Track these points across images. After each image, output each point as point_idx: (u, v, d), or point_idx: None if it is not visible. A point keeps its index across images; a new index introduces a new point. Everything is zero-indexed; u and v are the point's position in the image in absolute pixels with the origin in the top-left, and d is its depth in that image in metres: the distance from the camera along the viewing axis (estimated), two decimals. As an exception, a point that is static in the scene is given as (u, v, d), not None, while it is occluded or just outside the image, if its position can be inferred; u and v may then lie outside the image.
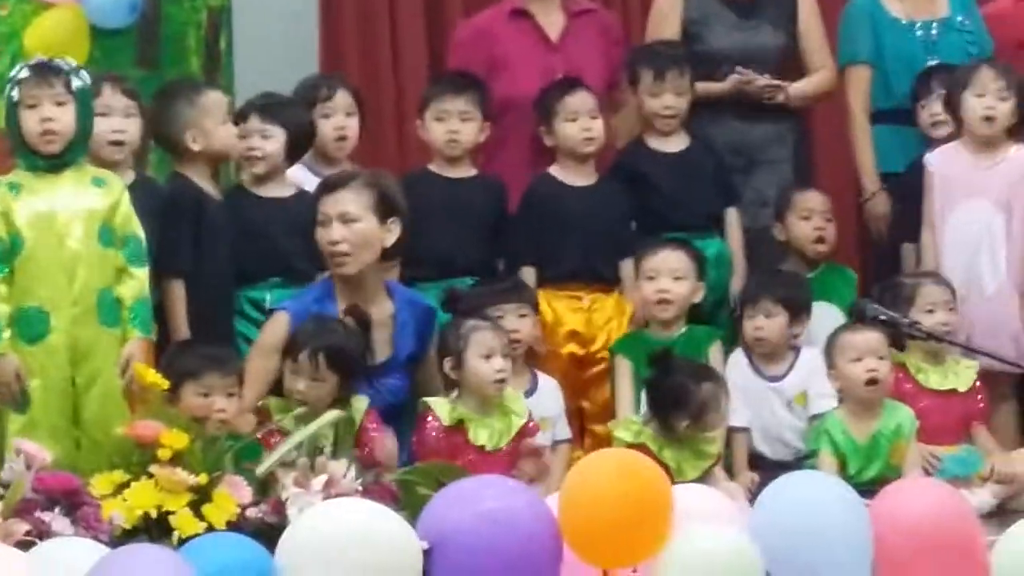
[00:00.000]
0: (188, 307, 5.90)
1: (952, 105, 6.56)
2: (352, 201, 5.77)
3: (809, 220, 6.59)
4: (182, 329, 5.82)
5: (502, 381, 5.58)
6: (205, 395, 5.26)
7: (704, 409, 5.54)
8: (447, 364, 5.65)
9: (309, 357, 5.43)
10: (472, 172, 6.53)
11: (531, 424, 5.69)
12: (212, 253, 6.00)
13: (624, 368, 6.13)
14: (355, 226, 5.73)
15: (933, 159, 6.56)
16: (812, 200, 6.63)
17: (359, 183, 5.85)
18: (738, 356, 6.22)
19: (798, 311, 6.16)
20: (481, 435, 5.53)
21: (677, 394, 5.53)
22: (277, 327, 5.69)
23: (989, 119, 6.42)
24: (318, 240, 5.82)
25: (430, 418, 5.56)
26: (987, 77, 6.48)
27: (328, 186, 5.93)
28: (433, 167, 6.46)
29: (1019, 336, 6.39)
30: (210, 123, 6.13)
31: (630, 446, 5.44)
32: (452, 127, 6.40)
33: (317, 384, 5.43)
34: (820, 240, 6.58)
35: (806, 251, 6.60)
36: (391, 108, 7.27)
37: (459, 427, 5.54)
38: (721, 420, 5.72)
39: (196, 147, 6.09)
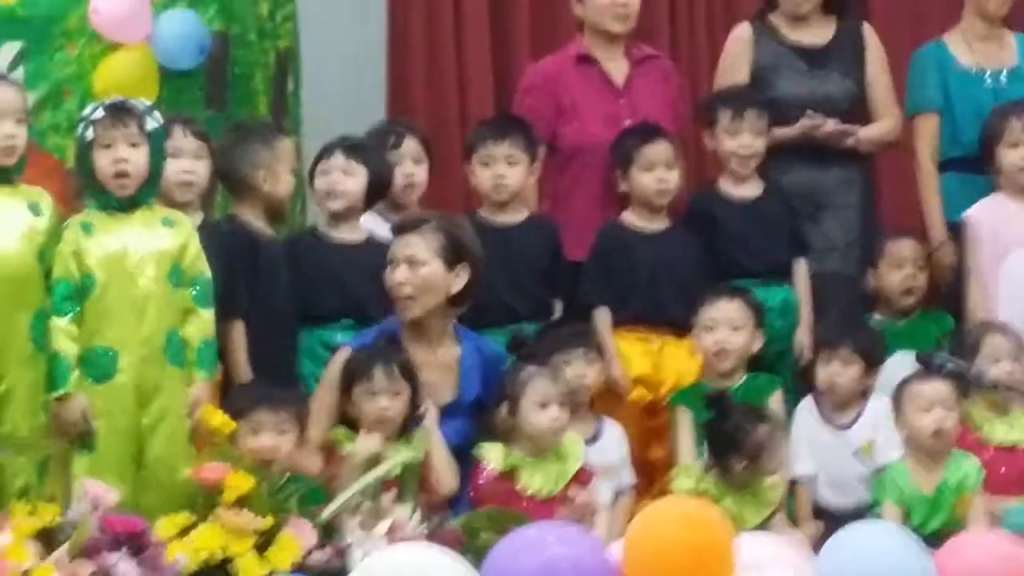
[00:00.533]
0: (249, 348, 5.89)
1: (988, 157, 6.65)
2: (419, 245, 5.74)
3: (901, 269, 6.58)
4: (244, 371, 5.81)
5: (557, 428, 5.55)
6: (255, 432, 5.25)
7: (761, 450, 5.53)
8: (503, 409, 5.63)
9: (384, 370, 5.40)
10: (523, 215, 6.50)
11: (585, 470, 5.64)
12: (269, 294, 6.00)
13: (684, 418, 6.08)
14: (421, 270, 5.70)
15: (974, 213, 6.59)
16: (906, 249, 6.62)
17: (429, 227, 5.82)
18: (806, 403, 6.13)
19: (873, 362, 6.05)
20: (535, 481, 5.49)
21: (734, 434, 5.53)
22: (338, 360, 5.69)
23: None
24: (385, 281, 5.82)
25: (484, 464, 5.58)
26: (1017, 127, 6.54)
27: (400, 228, 5.93)
28: (483, 212, 6.46)
29: None
30: (281, 168, 6.16)
31: (692, 494, 5.53)
32: (498, 171, 6.38)
33: (397, 398, 5.39)
34: (908, 292, 6.57)
35: (895, 301, 6.60)
36: (458, 152, 7.05)
37: (510, 475, 5.53)
38: (779, 463, 5.70)
39: (266, 188, 6.10)
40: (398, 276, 5.73)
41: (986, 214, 6.56)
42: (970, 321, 6.48)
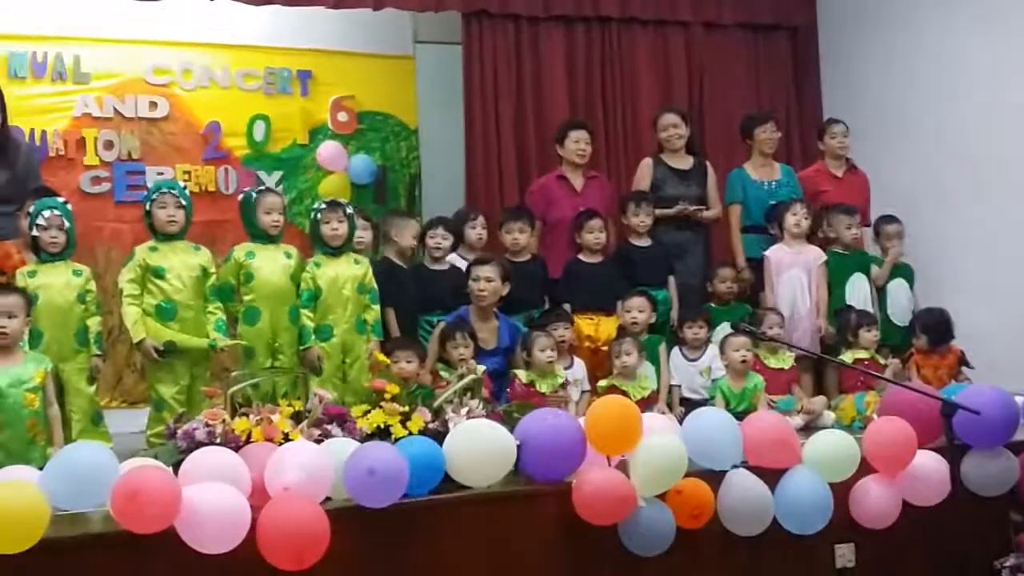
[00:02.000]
0: (399, 326, 6.11)
1: (778, 221, 6.81)
2: (491, 271, 6.00)
3: (724, 283, 6.76)
4: (394, 333, 6.02)
5: (551, 362, 5.79)
6: (403, 362, 5.35)
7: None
8: (523, 354, 5.87)
9: (461, 334, 5.70)
10: (528, 256, 6.56)
11: (565, 382, 5.89)
12: (403, 296, 6.18)
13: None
14: (491, 284, 5.99)
15: (769, 252, 6.78)
16: (726, 273, 6.81)
17: (494, 263, 6.08)
18: (676, 350, 6.33)
19: (711, 327, 6.40)
20: (543, 386, 5.76)
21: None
22: (438, 329, 5.90)
23: (798, 226, 6.73)
24: (470, 289, 5.99)
25: (516, 379, 5.82)
26: (797, 206, 6.78)
27: (479, 261, 6.09)
28: (508, 256, 6.44)
29: (814, 337, 6.63)
30: (408, 232, 6.44)
31: (610, 389, 5.82)
32: (515, 237, 6.51)
33: (467, 349, 5.65)
34: (727, 293, 6.77)
35: (720, 298, 6.77)
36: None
37: (531, 384, 5.76)
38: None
39: (402, 242, 6.37)
40: (480, 286, 5.99)
41: (774, 253, 6.77)
42: (764, 305, 6.65)
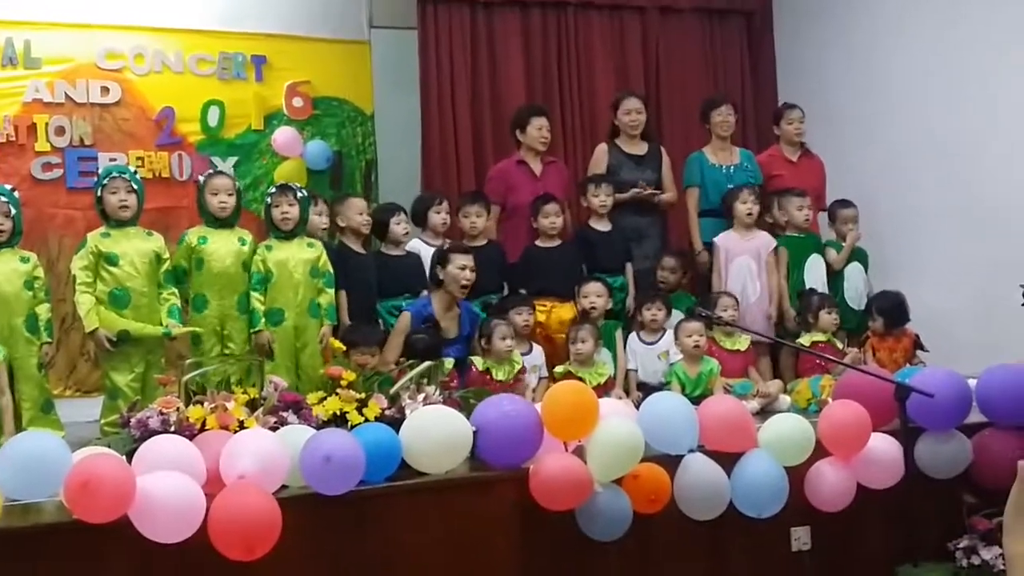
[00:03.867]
0: (352, 310, 6.08)
1: (728, 207, 6.88)
2: (471, 260, 6.03)
3: (669, 271, 6.86)
4: (346, 319, 6.00)
5: (510, 349, 5.82)
6: (361, 354, 5.42)
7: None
8: (482, 341, 5.89)
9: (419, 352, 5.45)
10: (485, 242, 6.59)
11: (523, 369, 5.94)
12: (359, 282, 6.16)
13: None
14: (473, 273, 6.04)
15: (718, 239, 6.85)
16: (668, 262, 6.88)
17: (470, 251, 6.12)
18: (633, 334, 6.36)
19: (668, 312, 6.37)
20: (499, 374, 5.78)
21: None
22: (404, 319, 5.90)
23: (750, 214, 6.78)
24: (452, 276, 5.98)
25: (473, 367, 5.82)
26: (745, 193, 6.80)
27: (461, 249, 6.12)
28: (466, 241, 6.48)
29: (766, 323, 6.70)
30: (352, 210, 6.41)
31: (567, 375, 5.89)
32: (472, 221, 6.56)
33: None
34: (677, 280, 6.86)
35: (670, 285, 6.82)
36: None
37: (487, 372, 5.78)
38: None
39: (350, 222, 6.37)
40: (467, 275, 6.00)
41: (723, 239, 6.84)
42: (713, 290, 6.69)
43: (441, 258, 6.05)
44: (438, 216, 6.61)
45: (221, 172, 6.17)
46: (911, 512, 4.58)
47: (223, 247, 5.77)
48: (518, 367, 5.87)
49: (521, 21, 8.04)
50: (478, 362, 5.83)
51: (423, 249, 6.41)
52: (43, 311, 5.45)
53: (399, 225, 6.42)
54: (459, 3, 7.83)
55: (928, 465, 4.85)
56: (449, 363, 5.52)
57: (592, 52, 8.18)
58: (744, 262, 6.79)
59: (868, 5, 7.89)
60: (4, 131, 7.04)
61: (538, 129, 6.95)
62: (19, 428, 5.02)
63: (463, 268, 5.96)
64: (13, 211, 5.42)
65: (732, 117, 7.27)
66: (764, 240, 6.85)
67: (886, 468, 4.65)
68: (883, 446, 4.67)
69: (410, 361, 5.08)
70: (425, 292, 6.13)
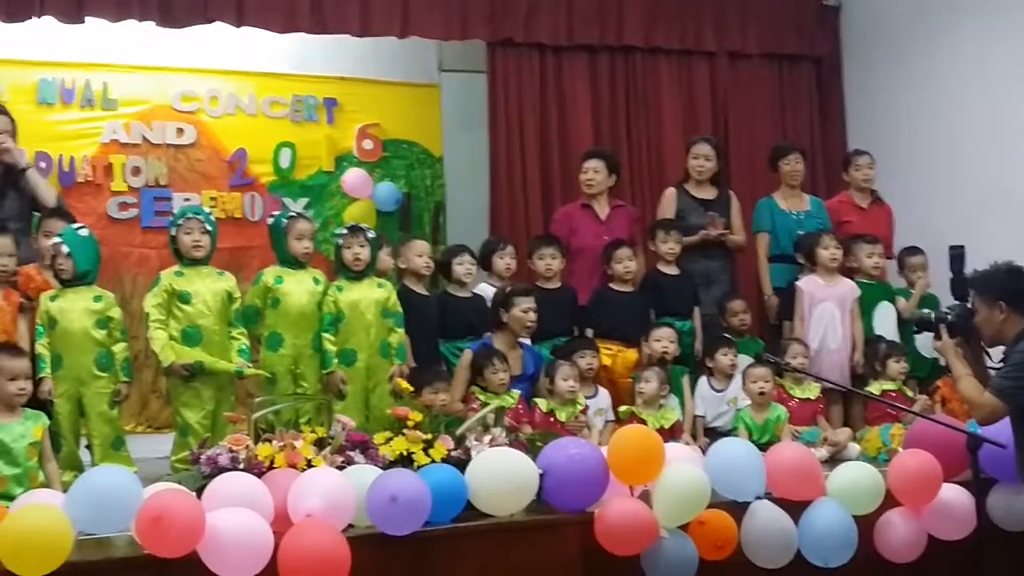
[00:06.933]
0: (415, 351, 6.04)
1: (807, 254, 6.82)
2: (533, 302, 6.03)
3: (736, 316, 6.74)
4: (411, 361, 5.97)
5: (573, 390, 5.80)
6: (428, 394, 5.41)
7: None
8: (546, 381, 5.88)
9: (499, 359, 5.73)
10: (558, 284, 6.57)
11: (586, 411, 5.91)
12: (420, 323, 6.10)
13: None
14: (536, 315, 6.04)
15: (803, 283, 6.76)
16: (737, 305, 6.80)
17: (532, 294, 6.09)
18: (703, 379, 6.31)
19: (736, 356, 6.31)
20: (562, 415, 5.77)
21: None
22: (466, 356, 5.88)
23: (834, 259, 6.71)
24: (515, 318, 6.00)
25: (537, 408, 5.83)
26: (828, 238, 6.77)
27: (524, 292, 6.09)
28: (539, 283, 6.50)
29: (843, 371, 6.61)
30: (412, 252, 6.34)
31: (631, 416, 5.89)
32: (548, 263, 6.53)
33: (507, 374, 5.71)
34: (744, 326, 6.77)
35: (735, 329, 6.71)
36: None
37: (551, 413, 5.79)
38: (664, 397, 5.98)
39: (410, 263, 6.29)
40: (531, 317, 5.99)
41: (807, 284, 6.74)
42: (793, 335, 6.59)
43: (504, 301, 6.05)
44: (502, 261, 6.60)
45: (302, 216, 6.18)
46: (983, 564, 4.48)
47: (299, 287, 5.80)
48: (580, 408, 5.87)
49: (589, 65, 8.06)
50: (542, 404, 5.82)
51: (489, 291, 6.39)
52: (120, 350, 5.50)
53: (462, 266, 6.40)
54: (528, 47, 7.86)
55: (1001, 517, 4.78)
56: (515, 394, 5.59)
57: (660, 97, 8.20)
58: (828, 308, 6.73)
59: (939, 50, 7.82)
60: (82, 171, 7.20)
61: (583, 173, 6.98)
62: (91, 465, 5.09)
63: (527, 311, 5.97)
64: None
65: (801, 165, 7.26)
66: (849, 287, 6.82)
67: (957, 519, 4.57)
68: (955, 497, 4.61)
69: (480, 400, 5.23)
70: (488, 334, 6.12)
